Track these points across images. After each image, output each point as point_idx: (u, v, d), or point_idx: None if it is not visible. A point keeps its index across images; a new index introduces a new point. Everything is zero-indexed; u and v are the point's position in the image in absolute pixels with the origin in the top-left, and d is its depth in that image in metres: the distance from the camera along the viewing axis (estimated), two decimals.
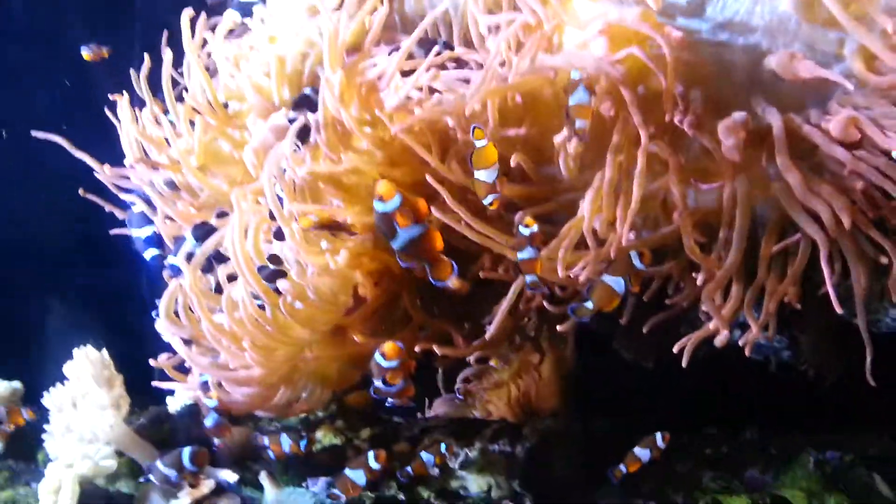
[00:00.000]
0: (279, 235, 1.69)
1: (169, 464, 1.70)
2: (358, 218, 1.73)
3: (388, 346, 1.57)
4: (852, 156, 1.38)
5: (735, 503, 1.84)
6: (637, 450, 1.80)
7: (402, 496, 1.88)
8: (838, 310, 1.39)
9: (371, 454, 1.72)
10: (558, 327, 1.68)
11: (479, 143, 1.41)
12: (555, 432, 2.15)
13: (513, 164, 1.59)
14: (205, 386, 1.88)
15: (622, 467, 1.81)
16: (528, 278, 1.47)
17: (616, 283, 1.41)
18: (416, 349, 1.96)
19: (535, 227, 1.42)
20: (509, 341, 2.23)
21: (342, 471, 1.77)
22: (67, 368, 2.05)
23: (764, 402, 2.28)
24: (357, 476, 1.71)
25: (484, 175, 1.42)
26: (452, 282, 1.61)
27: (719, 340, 1.49)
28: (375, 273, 1.80)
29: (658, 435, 1.80)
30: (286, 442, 1.83)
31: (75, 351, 2.07)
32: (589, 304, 1.43)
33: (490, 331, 1.69)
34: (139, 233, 2.05)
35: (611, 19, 1.53)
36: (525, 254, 1.43)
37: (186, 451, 1.73)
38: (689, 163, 1.54)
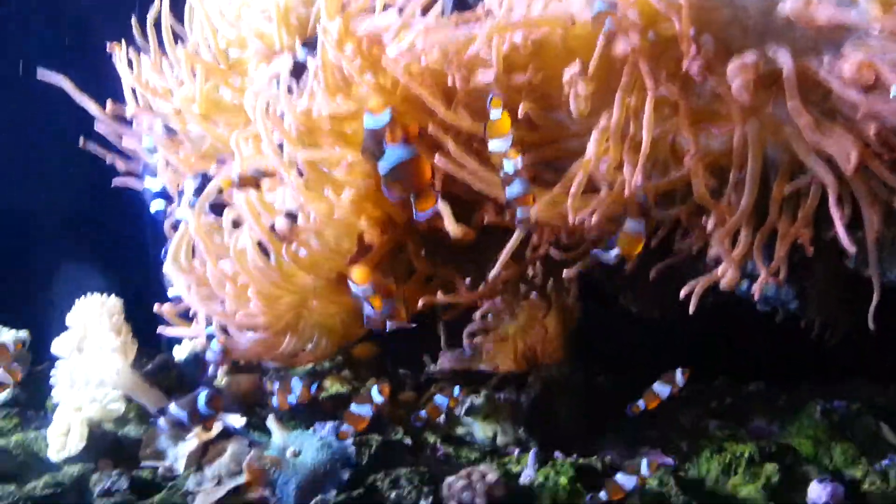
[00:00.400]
0: None
1: (183, 406, 1.70)
2: (358, 165, 1.71)
3: (355, 272, 1.55)
4: (866, 97, 1.35)
5: (740, 450, 1.84)
6: (657, 386, 1.77)
7: (408, 440, 1.90)
8: (849, 247, 1.37)
9: (375, 388, 1.72)
10: (564, 272, 1.66)
11: (494, 113, 1.39)
12: (559, 381, 2.15)
13: (520, 114, 1.56)
14: (210, 338, 1.88)
15: (641, 403, 1.78)
16: (519, 213, 1.42)
17: (638, 226, 1.39)
18: (421, 303, 1.96)
19: (519, 160, 1.36)
20: (515, 291, 2.22)
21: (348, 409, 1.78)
22: (76, 314, 2.06)
23: (770, 355, 2.28)
24: (363, 410, 1.71)
25: (498, 144, 1.40)
26: (454, 229, 1.60)
27: (726, 281, 1.47)
28: (379, 221, 1.79)
29: (678, 371, 1.77)
30: (297, 385, 1.83)
31: (84, 298, 2.08)
32: (613, 252, 1.40)
33: (492, 272, 1.67)
34: (148, 184, 2.04)
35: None
36: (513, 188, 1.38)
37: (202, 395, 1.72)
38: (700, 107, 1.51)
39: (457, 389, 1.84)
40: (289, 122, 1.64)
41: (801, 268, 1.94)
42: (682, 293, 1.58)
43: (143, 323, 2.13)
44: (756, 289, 1.57)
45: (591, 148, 1.42)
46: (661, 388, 1.77)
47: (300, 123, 1.63)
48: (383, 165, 1.40)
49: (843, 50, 1.45)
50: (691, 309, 1.52)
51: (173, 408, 1.72)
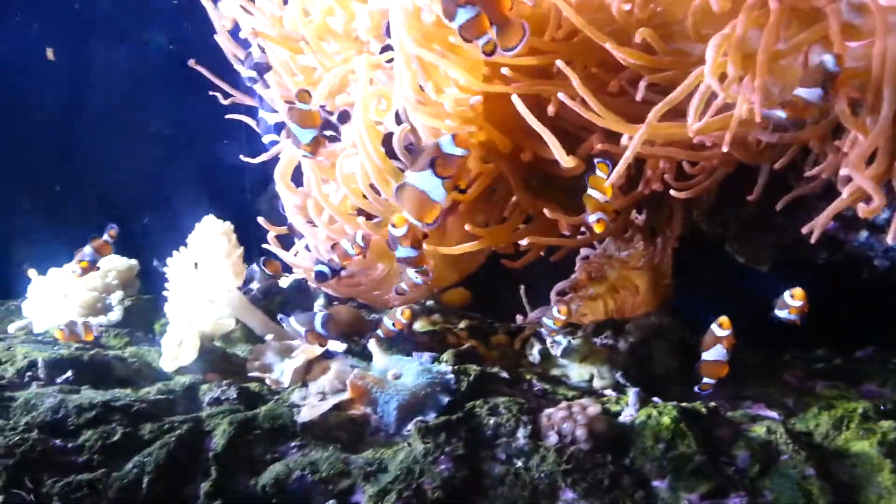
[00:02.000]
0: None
1: (302, 323, 1.78)
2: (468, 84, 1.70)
3: (398, 216, 1.64)
4: None
5: (853, 406, 1.76)
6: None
7: (505, 374, 1.89)
8: None
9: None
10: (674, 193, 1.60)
11: (599, 173, 1.55)
12: (659, 330, 2.11)
13: (638, 38, 1.52)
14: (320, 274, 1.93)
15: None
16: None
17: (811, 94, 1.28)
18: (524, 242, 1.95)
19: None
20: (618, 235, 2.18)
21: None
22: (194, 235, 2.14)
23: (886, 316, 2.16)
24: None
25: (597, 195, 1.56)
26: (564, 159, 1.57)
27: (868, 209, 1.37)
28: (483, 147, 1.78)
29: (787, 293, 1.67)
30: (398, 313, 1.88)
31: (200, 221, 2.15)
32: (781, 112, 1.30)
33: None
34: (267, 116, 2.10)
35: None
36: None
37: (320, 315, 1.80)
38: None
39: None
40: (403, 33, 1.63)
41: None
42: (806, 228, 1.51)
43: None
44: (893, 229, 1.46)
45: (710, 53, 1.34)
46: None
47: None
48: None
49: None
50: (814, 238, 1.43)
51: (293, 321, 1.78)
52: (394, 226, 1.65)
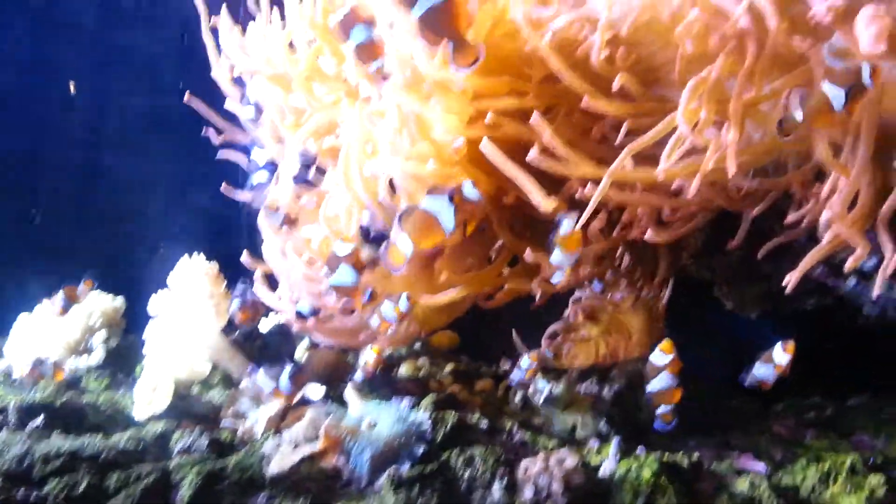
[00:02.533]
0: None
1: (271, 377, 1.75)
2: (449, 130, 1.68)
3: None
4: None
5: (841, 459, 1.70)
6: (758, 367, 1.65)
7: (485, 423, 1.85)
8: None
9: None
10: (648, 236, 1.55)
11: (567, 227, 1.48)
12: (643, 375, 2.06)
13: (615, 87, 1.50)
14: (299, 315, 1.90)
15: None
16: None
17: (835, 94, 1.18)
18: (507, 288, 1.91)
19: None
20: (600, 277, 2.15)
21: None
22: (176, 275, 2.12)
23: (877, 364, 2.11)
24: None
25: (562, 258, 1.49)
26: (542, 201, 1.54)
27: (852, 260, 1.33)
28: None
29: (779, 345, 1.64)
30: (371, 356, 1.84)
31: (182, 260, 2.13)
32: (798, 114, 1.21)
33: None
34: (255, 156, 2.09)
35: None
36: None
37: (288, 370, 1.76)
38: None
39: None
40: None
41: None
42: (786, 279, 1.46)
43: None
44: (881, 272, 1.41)
45: (684, 97, 1.31)
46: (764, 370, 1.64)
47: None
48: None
49: None
50: (790, 288, 1.40)
51: (261, 377, 1.75)
52: (340, 242, 1.60)
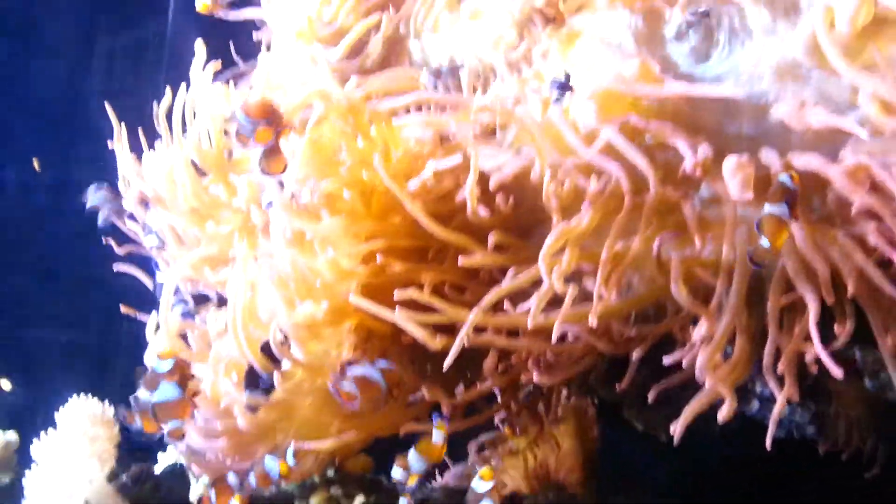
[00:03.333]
0: None
1: None
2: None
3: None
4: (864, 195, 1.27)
5: None
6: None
7: None
8: (835, 373, 1.25)
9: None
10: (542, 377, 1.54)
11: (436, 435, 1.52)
12: None
13: (491, 245, 1.47)
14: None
15: None
16: None
17: (782, 210, 1.21)
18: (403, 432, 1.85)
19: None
20: (507, 406, 2.10)
21: None
22: (59, 416, 2.02)
23: (791, 483, 2.09)
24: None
25: (418, 465, 1.54)
26: (429, 341, 1.50)
27: (723, 413, 1.34)
28: (362, 329, 1.71)
29: None
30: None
31: (70, 400, 2.03)
32: (764, 242, 1.21)
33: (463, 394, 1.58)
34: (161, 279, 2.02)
35: (605, 81, 1.46)
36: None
37: None
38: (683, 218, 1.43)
39: None
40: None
41: (818, 388, 1.80)
42: (672, 428, 1.45)
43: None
44: (778, 405, 1.40)
45: (545, 247, 1.32)
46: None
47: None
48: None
49: (841, 154, 1.39)
50: (676, 439, 1.38)
51: None
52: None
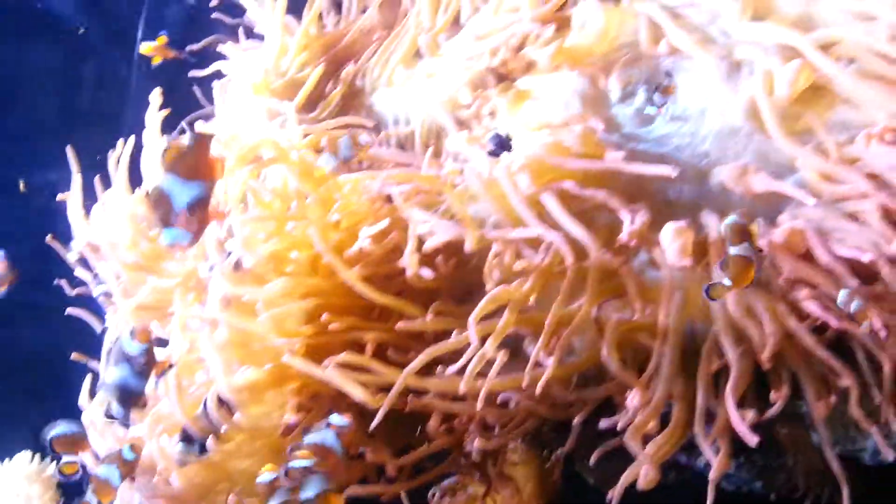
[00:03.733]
0: None
1: None
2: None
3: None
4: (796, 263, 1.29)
5: None
6: None
7: None
8: (752, 443, 1.27)
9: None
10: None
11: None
12: None
13: (430, 315, 1.46)
14: None
15: None
16: None
17: (747, 251, 1.22)
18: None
19: None
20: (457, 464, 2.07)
21: None
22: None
23: None
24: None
25: None
26: (366, 400, 1.48)
27: (644, 481, 1.35)
28: (307, 389, 1.69)
29: None
30: None
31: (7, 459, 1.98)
32: (726, 282, 1.22)
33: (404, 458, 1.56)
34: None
35: (539, 150, 1.48)
36: None
37: None
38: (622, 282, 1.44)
39: None
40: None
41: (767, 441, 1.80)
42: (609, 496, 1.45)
43: None
44: (713, 474, 1.42)
45: (475, 311, 1.32)
46: None
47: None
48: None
49: (779, 218, 1.41)
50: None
51: None
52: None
